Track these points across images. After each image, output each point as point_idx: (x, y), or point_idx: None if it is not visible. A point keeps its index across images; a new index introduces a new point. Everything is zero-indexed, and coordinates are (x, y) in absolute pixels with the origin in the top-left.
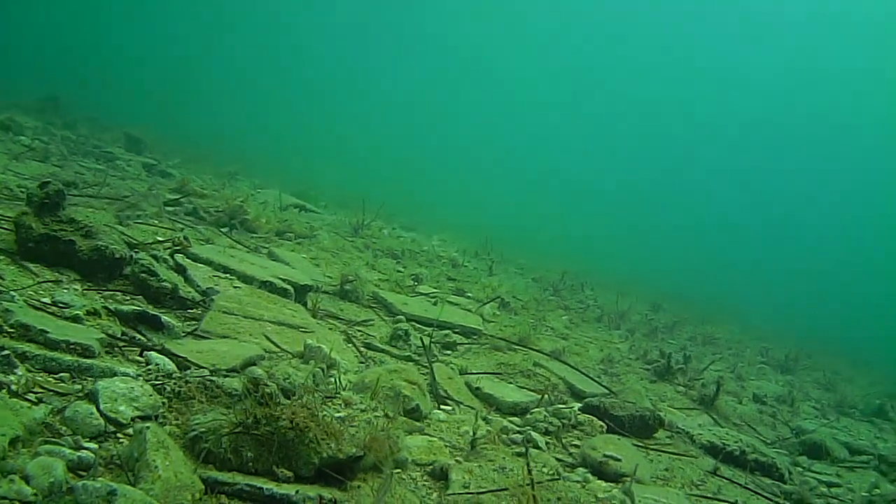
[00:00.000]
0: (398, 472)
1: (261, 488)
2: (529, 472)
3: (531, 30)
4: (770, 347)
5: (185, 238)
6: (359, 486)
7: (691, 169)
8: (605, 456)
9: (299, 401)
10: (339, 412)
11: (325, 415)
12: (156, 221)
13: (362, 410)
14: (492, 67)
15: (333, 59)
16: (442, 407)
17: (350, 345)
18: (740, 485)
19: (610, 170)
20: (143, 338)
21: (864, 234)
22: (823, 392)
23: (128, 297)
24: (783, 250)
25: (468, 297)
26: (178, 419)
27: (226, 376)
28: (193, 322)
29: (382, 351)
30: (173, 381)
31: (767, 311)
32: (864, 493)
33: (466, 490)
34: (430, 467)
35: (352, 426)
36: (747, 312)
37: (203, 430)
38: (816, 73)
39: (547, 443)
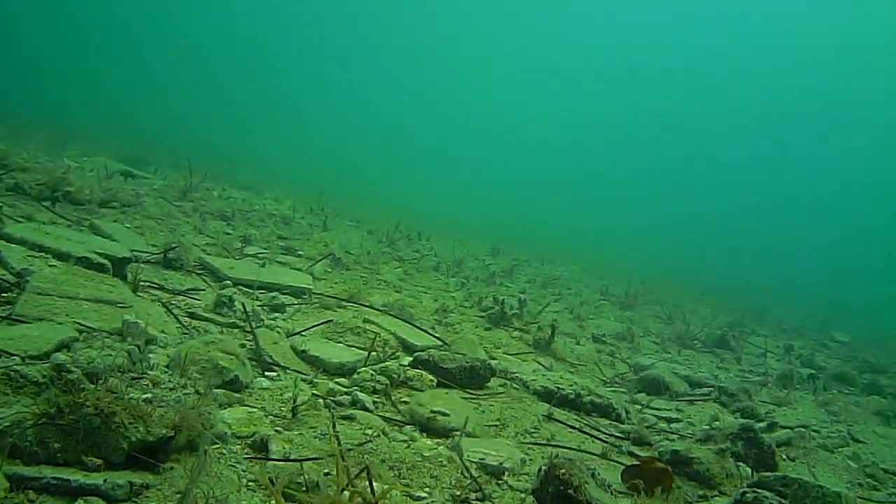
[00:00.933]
0: (217, 448)
1: (67, 480)
2: (336, 436)
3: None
4: (610, 284)
5: None
6: (172, 468)
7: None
8: (432, 412)
9: (104, 385)
10: (146, 393)
11: (131, 397)
12: None
13: (171, 389)
14: None
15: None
16: (266, 374)
17: (172, 316)
18: (575, 428)
19: (442, 116)
20: None
21: (712, 165)
22: (664, 326)
23: None
24: (626, 182)
25: (299, 256)
26: None
27: (33, 364)
28: (9, 307)
29: (207, 319)
30: None
31: (609, 247)
32: (704, 426)
33: (286, 459)
34: (251, 439)
35: (160, 406)
36: (589, 249)
37: (7, 424)
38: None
39: (375, 402)
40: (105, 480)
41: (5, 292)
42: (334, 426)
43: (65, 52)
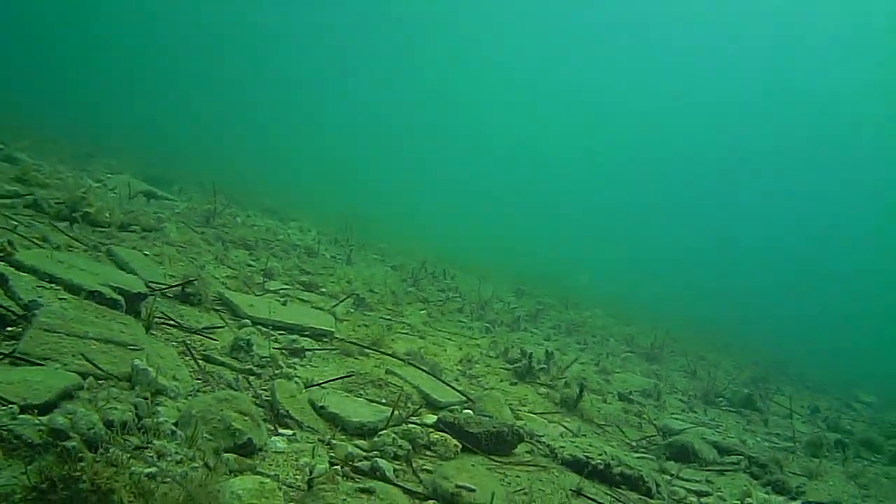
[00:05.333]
0: None
1: None
2: None
3: None
4: (635, 334)
5: (10, 243)
6: None
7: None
8: (457, 486)
9: (105, 456)
10: (150, 467)
11: (133, 471)
12: None
13: (178, 462)
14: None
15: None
16: (282, 432)
17: (187, 358)
18: None
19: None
20: None
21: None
22: (690, 380)
23: None
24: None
25: (321, 293)
26: None
27: (27, 420)
28: (13, 342)
29: (222, 364)
30: None
31: (633, 293)
32: (735, 502)
33: None
34: None
35: (164, 482)
36: (611, 295)
37: None
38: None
39: (396, 470)
40: None
41: (11, 326)
42: None
43: (94, 65)
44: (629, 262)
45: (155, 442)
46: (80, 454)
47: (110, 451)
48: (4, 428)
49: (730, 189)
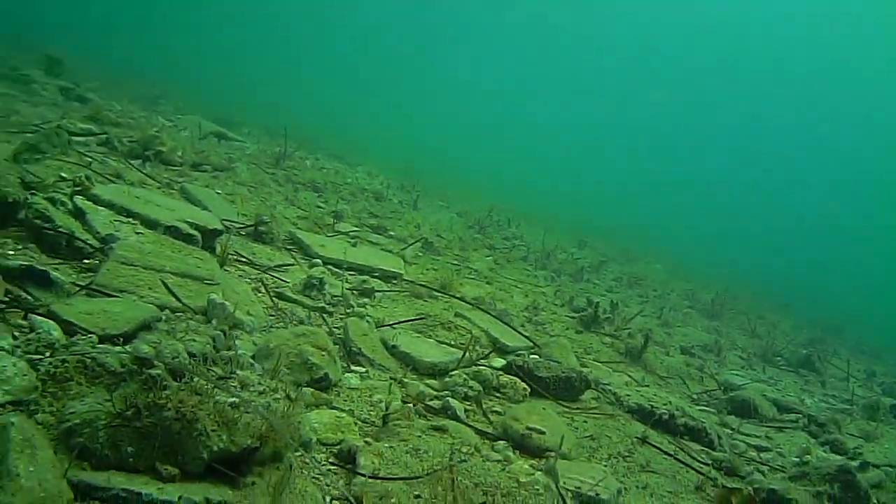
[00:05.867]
0: (301, 455)
1: (139, 493)
2: (451, 469)
3: None
4: (695, 290)
5: (87, 178)
6: (253, 483)
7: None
8: (527, 428)
9: (189, 385)
10: (233, 396)
11: (217, 401)
12: (63, 156)
13: (260, 393)
14: None
15: None
16: (355, 369)
17: (261, 294)
18: (670, 454)
19: (543, 105)
20: (29, 297)
21: (793, 179)
22: (749, 339)
23: (20, 247)
24: (711, 185)
25: (390, 236)
26: (52, 405)
27: (112, 349)
28: (91, 274)
29: (295, 301)
30: (50, 357)
31: (693, 249)
32: (794, 459)
33: (375, 476)
34: (338, 447)
35: (247, 412)
36: (672, 251)
37: (78, 421)
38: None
39: (466, 410)
40: (180, 497)
41: (88, 258)
42: (451, 457)
43: (162, 7)
44: (692, 220)
45: (238, 372)
46: (165, 382)
47: (194, 380)
48: (87, 356)
49: (798, 153)
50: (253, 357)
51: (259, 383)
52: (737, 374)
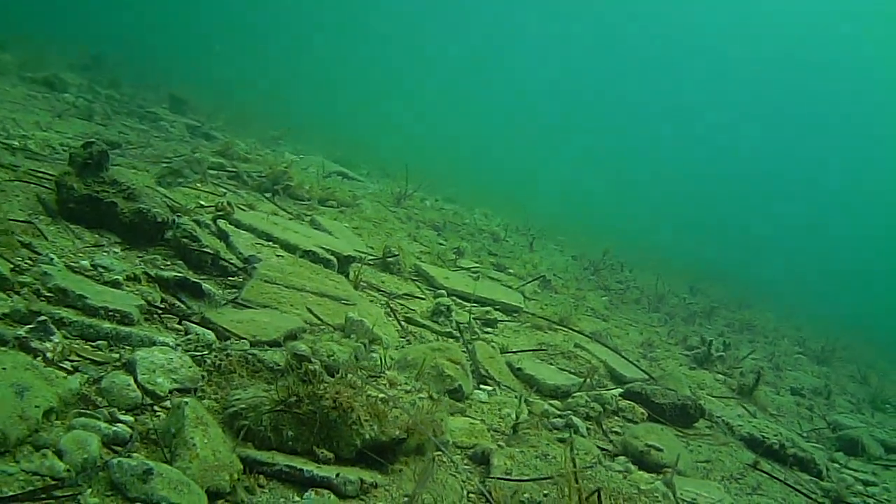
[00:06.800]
0: (439, 455)
1: (301, 470)
2: (573, 462)
3: None
4: (806, 337)
5: (229, 203)
6: (400, 470)
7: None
8: (647, 445)
9: (344, 379)
10: (383, 393)
11: (369, 395)
12: (199, 185)
13: (407, 391)
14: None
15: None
16: (482, 387)
17: (391, 318)
18: (780, 480)
19: (643, 156)
20: (183, 305)
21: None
22: (858, 385)
23: (168, 263)
24: (819, 239)
25: (509, 273)
26: (217, 393)
27: (267, 350)
28: (234, 290)
29: (423, 326)
30: (213, 353)
31: (803, 299)
32: None
33: (508, 476)
34: (472, 450)
35: (395, 407)
36: (783, 298)
37: (243, 406)
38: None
39: (588, 428)
40: (338, 475)
41: (232, 276)
42: (572, 448)
43: (287, 52)
44: (799, 265)
45: (387, 372)
46: (322, 376)
47: (348, 376)
48: (248, 352)
49: None
50: (389, 369)
51: (405, 383)
52: (846, 416)
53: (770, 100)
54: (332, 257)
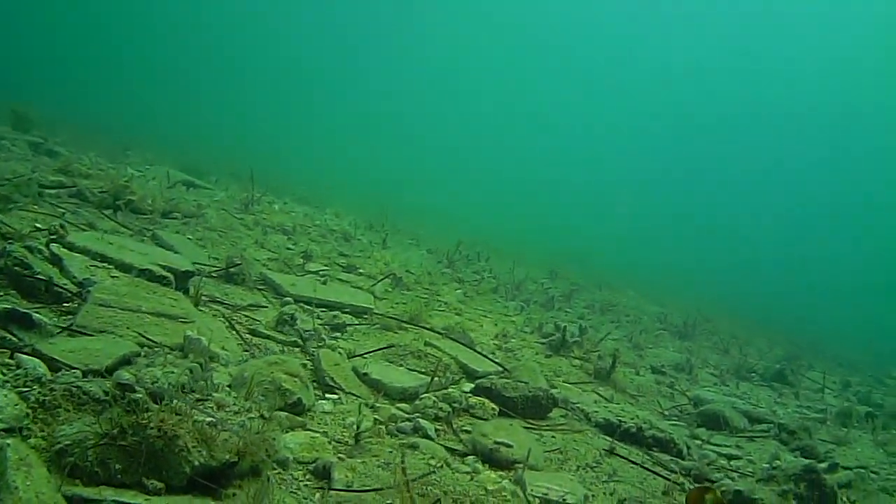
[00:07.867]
0: (279, 473)
1: (129, 503)
2: (403, 468)
3: None
4: (668, 312)
5: (62, 226)
6: (234, 494)
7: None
8: (496, 443)
9: (169, 406)
10: (211, 416)
11: (196, 420)
12: (34, 207)
13: (236, 412)
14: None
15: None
16: (328, 396)
17: (234, 332)
18: (637, 464)
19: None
20: (13, 338)
21: (767, 191)
22: (722, 357)
23: (1, 294)
24: (680, 208)
25: (360, 274)
26: (43, 431)
27: (92, 381)
28: (70, 317)
29: (268, 337)
30: (38, 388)
31: (664, 274)
32: (765, 465)
33: (348, 489)
34: (313, 465)
35: (224, 430)
36: (645, 276)
37: (68, 442)
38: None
39: (437, 430)
40: None
41: (67, 302)
42: (403, 458)
43: (124, 60)
44: (660, 241)
45: (214, 395)
46: (146, 405)
47: (174, 402)
48: (73, 385)
49: (768, 164)
50: (229, 386)
51: (234, 404)
52: (708, 391)
53: None
54: (168, 274)
